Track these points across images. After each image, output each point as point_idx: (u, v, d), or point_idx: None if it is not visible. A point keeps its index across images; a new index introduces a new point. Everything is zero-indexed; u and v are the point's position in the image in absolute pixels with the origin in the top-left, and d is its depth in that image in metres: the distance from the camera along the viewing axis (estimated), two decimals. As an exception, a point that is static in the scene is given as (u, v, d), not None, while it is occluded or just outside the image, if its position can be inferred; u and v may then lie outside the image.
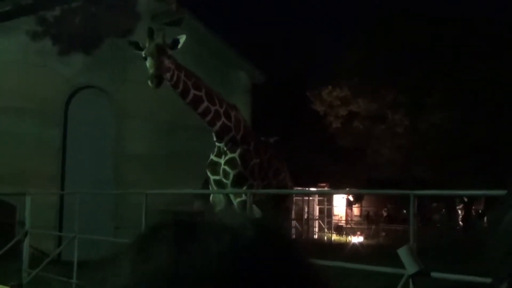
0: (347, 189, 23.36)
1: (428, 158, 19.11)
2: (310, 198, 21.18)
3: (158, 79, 5.97)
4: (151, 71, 5.97)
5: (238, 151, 6.42)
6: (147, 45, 6.07)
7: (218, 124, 6.40)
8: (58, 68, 13.05)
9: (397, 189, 15.73)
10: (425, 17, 19.29)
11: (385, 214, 27.84)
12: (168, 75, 6.11)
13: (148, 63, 6.04)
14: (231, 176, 6.32)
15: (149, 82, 6.01)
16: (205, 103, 6.32)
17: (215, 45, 14.61)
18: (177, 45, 6.15)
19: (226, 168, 6.37)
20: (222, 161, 6.43)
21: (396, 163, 19.80)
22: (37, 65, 12.83)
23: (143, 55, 6.10)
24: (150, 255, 0.48)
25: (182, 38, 6.17)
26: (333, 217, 23.93)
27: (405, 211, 26.54)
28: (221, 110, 6.42)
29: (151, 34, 6.14)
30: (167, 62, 6.05)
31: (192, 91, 6.27)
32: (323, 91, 19.73)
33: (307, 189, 20.11)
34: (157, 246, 0.49)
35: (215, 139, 6.51)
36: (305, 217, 20.70)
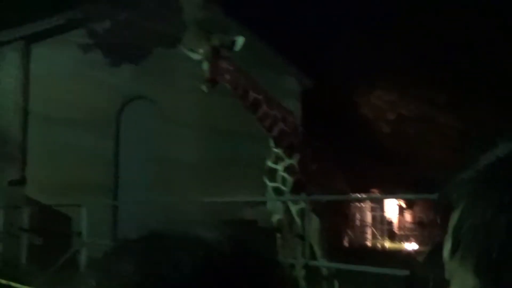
0: (398, 194, 22.85)
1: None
2: (363, 205, 20.80)
3: (212, 83, 5.87)
4: (206, 75, 5.85)
5: (297, 157, 6.21)
6: (202, 48, 5.94)
7: (276, 129, 6.19)
8: (108, 80, 13.23)
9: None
10: (475, 10, 18.74)
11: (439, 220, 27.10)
12: (227, 77, 5.99)
13: (203, 66, 5.92)
14: (289, 183, 6.14)
15: (203, 87, 5.89)
16: (264, 107, 6.15)
17: (262, 51, 14.53)
18: (235, 46, 5.99)
19: (285, 174, 6.17)
20: (280, 167, 6.21)
21: (450, 166, 19.24)
22: (88, 77, 13.04)
23: (198, 59, 5.97)
24: (116, 268, 0.49)
25: (240, 39, 6.01)
26: (388, 224, 23.47)
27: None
28: (279, 115, 6.24)
29: (207, 36, 6.01)
30: (224, 64, 5.92)
31: (252, 94, 6.14)
32: (372, 95, 19.42)
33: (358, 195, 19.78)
34: (125, 258, 0.50)
35: (272, 145, 6.30)
36: (358, 224, 20.34)
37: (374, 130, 20.32)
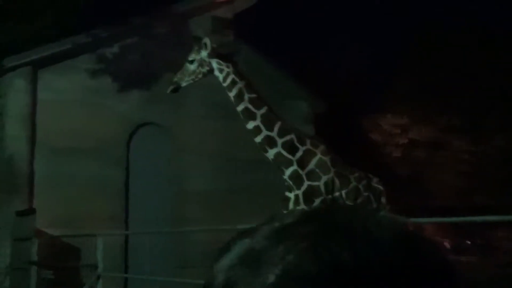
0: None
1: (492, 183, 18.21)
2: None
3: (177, 87, 6.49)
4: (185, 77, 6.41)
5: (303, 187, 6.03)
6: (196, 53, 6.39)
7: (272, 152, 6.14)
8: (116, 106, 12.86)
9: (460, 216, 14.84)
10: (479, 33, 18.71)
11: (448, 245, 26.47)
12: (220, 76, 6.32)
13: (191, 67, 6.37)
14: None
15: (170, 88, 6.54)
16: (257, 122, 6.20)
17: (274, 75, 14.25)
18: (206, 47, 6.35)
19: (292, 205, 6.03)
20: (292, 196, 6.07)
21: (459, 190, 18.93)
22: (96, 103, 12.66)
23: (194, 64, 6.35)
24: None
25: (206, 39, 6.42)
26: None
27: (469, 242, 25.32)
28: (280, 139, 6.12)
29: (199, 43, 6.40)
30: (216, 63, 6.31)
31: (246, 103, 6.27)
32: (382, 119, 19.16)
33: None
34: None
35: (283, 175, 6.19)
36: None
37: (386, 154, 20.03)
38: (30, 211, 10.65)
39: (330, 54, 19.38)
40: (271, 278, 0.48)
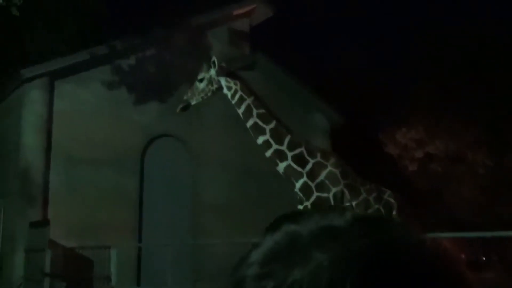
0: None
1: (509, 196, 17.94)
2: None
3: (187, 106, 6.70)
4: (196, 96, 6.62)
5: (312, 198, 6.16)
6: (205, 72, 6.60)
7: (282, 165, 6.27)
8: (133, 117, 12.86)
9: (480, 231, 14.58)
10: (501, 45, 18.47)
11: (463, 259, 26.07)
12: (228, 94, 6.46)
13: (200, 86, 6.58)
14: None
15: (180, 106, 6.74)
16: (266, 137, 6.30)
17: (292, 87, 14.18)
18: (215, 65, 6.54)
19: None
20: (301, 208, 6.19)
21: (479, 205, 18.64)
22: (113, 114, 12.67)
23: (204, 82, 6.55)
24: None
25: (213, 58, 6.64)
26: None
27: (484, 258, 24.95)
28: (290, 153, 6.23)
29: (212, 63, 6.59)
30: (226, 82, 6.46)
31: (255, 119, 6.38)
32: (397, 133, 18.93)
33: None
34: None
35: (294, 188, 6.33)
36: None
37: (403, 168, 19.80)
38: (44, 223, 10.64)
39: (347, 65, 19.30)
40: (306, 276, 0.48)
